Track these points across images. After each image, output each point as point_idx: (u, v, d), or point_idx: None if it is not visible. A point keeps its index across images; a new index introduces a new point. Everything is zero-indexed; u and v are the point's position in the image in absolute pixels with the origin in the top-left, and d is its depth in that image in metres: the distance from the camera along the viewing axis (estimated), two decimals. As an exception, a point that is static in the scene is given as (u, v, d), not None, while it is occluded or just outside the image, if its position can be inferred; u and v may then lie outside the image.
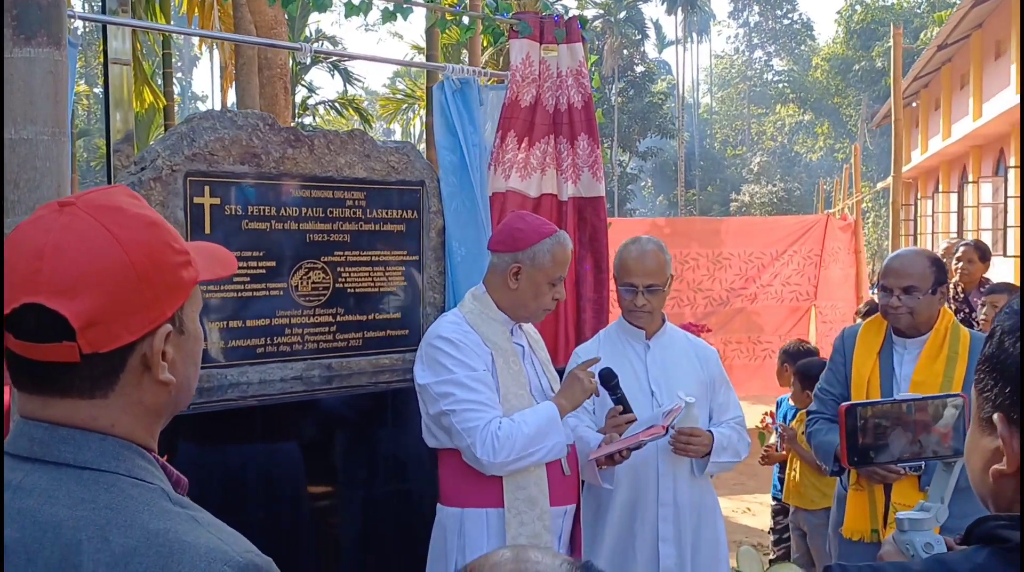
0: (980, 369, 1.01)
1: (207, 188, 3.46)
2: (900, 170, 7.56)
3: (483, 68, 5.27)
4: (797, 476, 4.36)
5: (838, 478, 3.18)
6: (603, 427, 2.78)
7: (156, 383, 1.04)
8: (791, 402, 4.85)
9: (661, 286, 2.94)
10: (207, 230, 3.47)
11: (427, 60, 10.00)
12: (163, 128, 12.27)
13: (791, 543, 4.61)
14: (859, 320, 5.34)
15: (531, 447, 2.48)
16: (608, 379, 2.72)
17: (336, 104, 23.96)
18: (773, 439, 4.60)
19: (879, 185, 18.87)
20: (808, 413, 3.33)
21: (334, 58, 21.70)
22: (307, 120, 23.75)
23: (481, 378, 2.53)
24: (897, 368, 2.99)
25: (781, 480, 4.80)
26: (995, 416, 0.97)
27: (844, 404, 1.55)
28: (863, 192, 9.91)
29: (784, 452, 4.52)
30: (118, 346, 0.99)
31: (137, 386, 1.03)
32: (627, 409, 2.74)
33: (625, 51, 41.59)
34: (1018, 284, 7.38)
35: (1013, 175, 16.29)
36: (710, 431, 2.89)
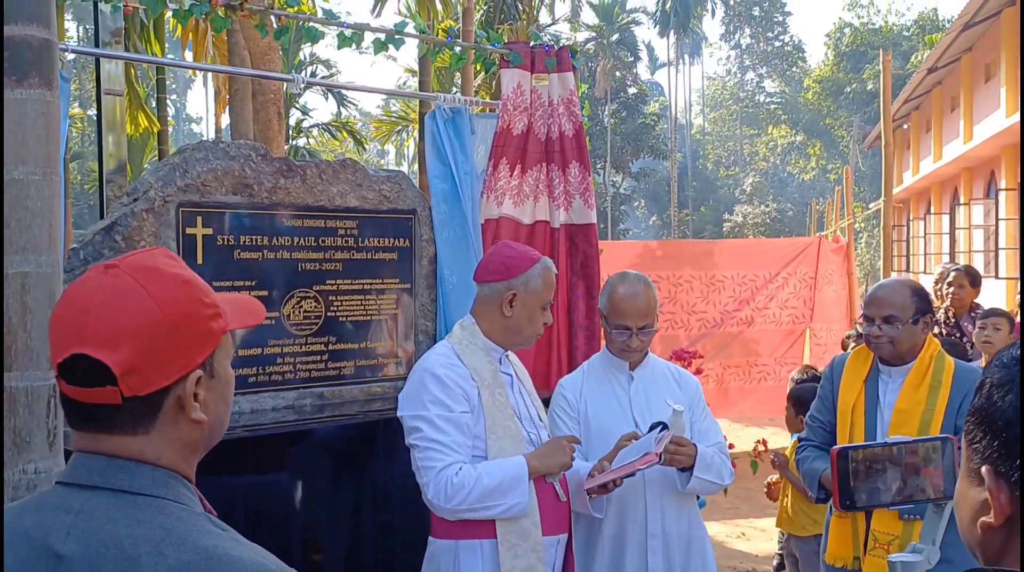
0: (969, 421, 1.02)
1: (199, 219, 3.47)
2: (891, 194, 7.60)
3: (476, 94, 5.30)
4: (789, 503, 4.36)
5: (827, 506, 3.20)
6: (608, 453, 2.78)
7: (190, 421, 1.17)
8: (788, 428, 4.86)
9: (653, 326, 2.96)
10: (199, 260, 3.48)
11: (420, 85, 10.04)
12: (157, 152, 12.29)
13: (785, 569, 4.60)
14: (851, 345, 5.35)
15: (487, 501, 2.48)
16: (652, 429, 2.76)
17: (330, 126, 24.02)
18: (773, 477, 4.58)
19: (872, 206, 18.97)
20: (799, 440, 3.35)
21: (323, 86, 21.80)
22: (300, 142, 23.79)
23: (454, 420, 2.52)
24: (881, 396, 3.02)
25: None
26: (983, 468, 0.98)
27: (835, 448, 1.56)
28: (855, 213, 9.97)
29: (779, 481, 4.52)
30: (154, 390, 1.13)
31: (174, 424, 1.16)
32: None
33: (618, 73, 41.82)
34: (1009, 307, 7.41)
35: (1004, 197, 16.37)
36: (695, 446, 2.87)
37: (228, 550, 1.10)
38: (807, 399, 3.95)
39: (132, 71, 9.96)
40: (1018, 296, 8.18)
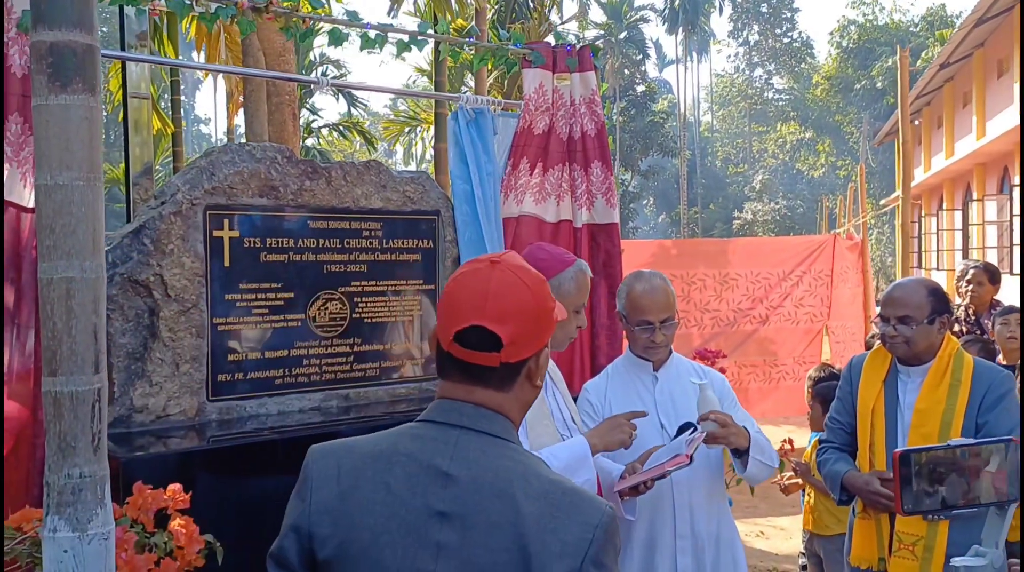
0: None
1: (226, 221, 3.48)
2: (908, 190, 7.57)
3: (488, 93, 5.29)
4: (812, 501, 4.35)
5: (850, 507, 3.19)
6: (641, 456, 2.76)
7: (532, 386, 1.51)
8: (811, 428, 4.84)
9: (674, 319, 2.95)
10: (226, 263, 3.49)
11: (436, 85, 10.04)
12: (171, 153, 12.32)
13: (807, 570, 4.58)
14: (875, 345, 5.31)
15: None
16: (683, 430, 2.75)
17: (340, 126, 24.05)
18: (788, 474, 4.57)
19: (883, 202, 18.88)
20: (820, 442, 3.33)
21: (345, 88, 21.85)
22: (310, 142, 23.82)
23: None
24: (901, 396, 3.01)
25: None
26: None
27: (898, 450, 1.55)
28: (867, 210, 9.93)
29: (799, 483, 4.50)
30: (520, 359, 1.46)
31: (522, 387, 1.49)
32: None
33: (626, 71, 41.78)
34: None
35: (1018, 193, 16.29)
36: (744, 428, 2.84)
37: (572, 485, 1.43)
38: (832, 397, 3.94)
39: (149, 74, 9.97)
40: None
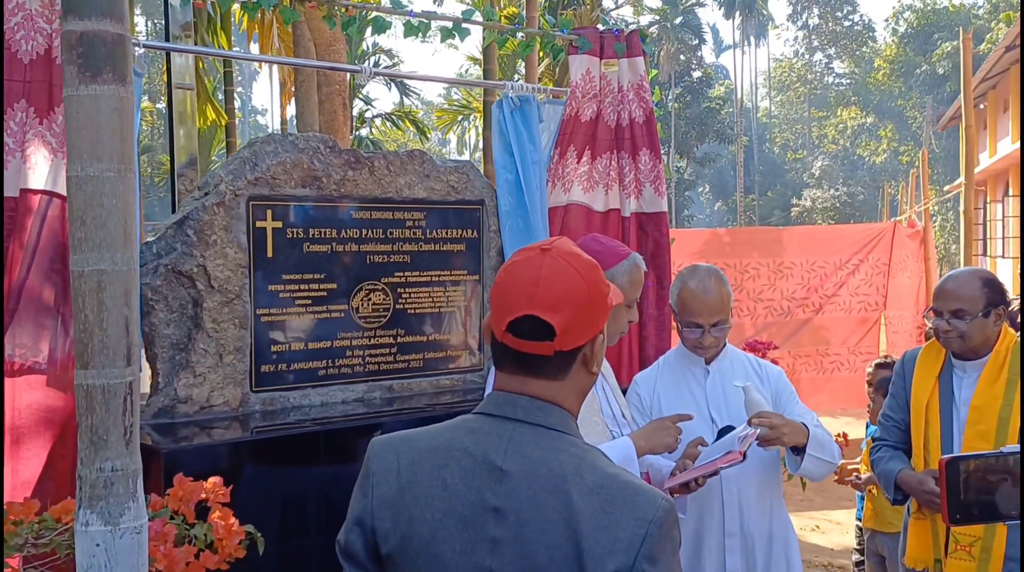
0: None
1: (269, 212, 3.48)
2: (972, 175, 7.31)
3: (539, 81, 5.22)
4: (875, 499, 4.22)
5: (905, 506, 3.08)
6: (680, 454, 2.69)
7: (589, 373, 1.49)
8: (872, 421, 4.70)
9: (727, 321, 2.85)
10: (269, 254, 3.48)
11: (485, 73, 9.99)
12: (225, 144, 12.46)
13: (868, 568, 4.45)
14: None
15: None
16: (723, 433, 2.68)
17: (393, 116, 24.15)
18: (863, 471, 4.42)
19: (946, 189, 18.39)
20: (873, 440, 3.22)
21: (390, 76, 21.86)
22: (363, 132, 23.96)
23: None
24: (956, 392, 2.89)
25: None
26: None
27: (945, 457, 1.46)
28: (931, 197, 9.64)
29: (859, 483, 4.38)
30: (574, 347, 1.44)
31: (578, 374, 1.48)
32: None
33: (682, 56, 41.29)
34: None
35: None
36: (802, 423, 2.74)
37: (628, 478, 1.40)
38: None
39: (200, 64, 10.10)
40: None
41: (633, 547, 1.33)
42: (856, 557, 4.80)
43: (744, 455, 2.50)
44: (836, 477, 4.56)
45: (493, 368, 2.68)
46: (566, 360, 1.45)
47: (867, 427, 4.82)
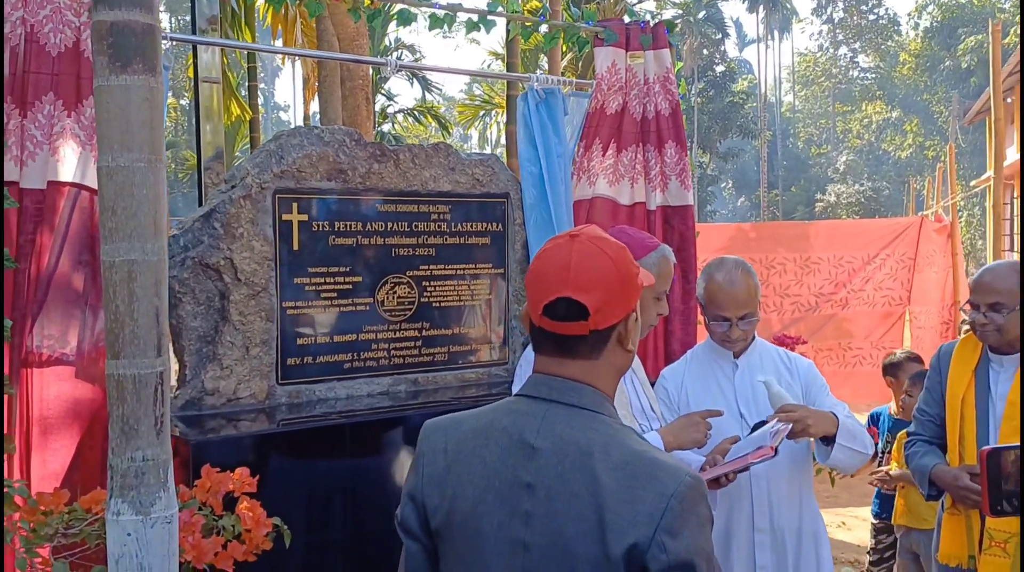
0: None
1: (295, 205, 3.48)
2: (1000, 171, 7.21)
3: (563, 74, 5.20)
4: (907, 496, 4.17)
5: (939, 502, 3.04)
6: (711, 449, 2.67)
7: (624, 351, 1.56)
8: (893, 413, 4.65)
9: (755, 314, 2.81)
10: (295, 246, 3.49)
11: (508, 67, 9.98)
12: (249, 140, 12.52)
13: (899, 566, 4.39)
14: (962, 330, 5.09)
15: None
16: (757, 428, 2.66)
17: (415, 111, 24.18)
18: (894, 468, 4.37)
19: (973, 183, 18.17)
20: (908, 435, 3.18)
21: (414, 69, 21.92)
22: (386, 128, 24.01)
23: None
24: (993, 387, 2.85)
25: (884, 496, 4.60)
26: None
27: (986, 448, 1.44)
28: (957, 191, 9.53)
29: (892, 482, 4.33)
30: (608, 325, 1.51)
31: (613, 353, 1.54)
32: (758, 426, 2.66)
33: (705, 51, 41.07)
34: None
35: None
36: (831, 412, 2.70)
37: (655, 454, 1.46)
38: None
39: (224, 60, 10.15)
40: None
41: (653, 520, 1.38)
42: (872, 557, 4.75)
43: (776, 450, 2.47)
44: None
45: (521, 360, 2.67)
46: (601, 339, 1.52)
47: (873, 418, 4.76)
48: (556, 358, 1.54)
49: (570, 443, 1.46)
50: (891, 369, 4.70)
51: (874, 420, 4.75)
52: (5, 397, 2.82)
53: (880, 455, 4.48)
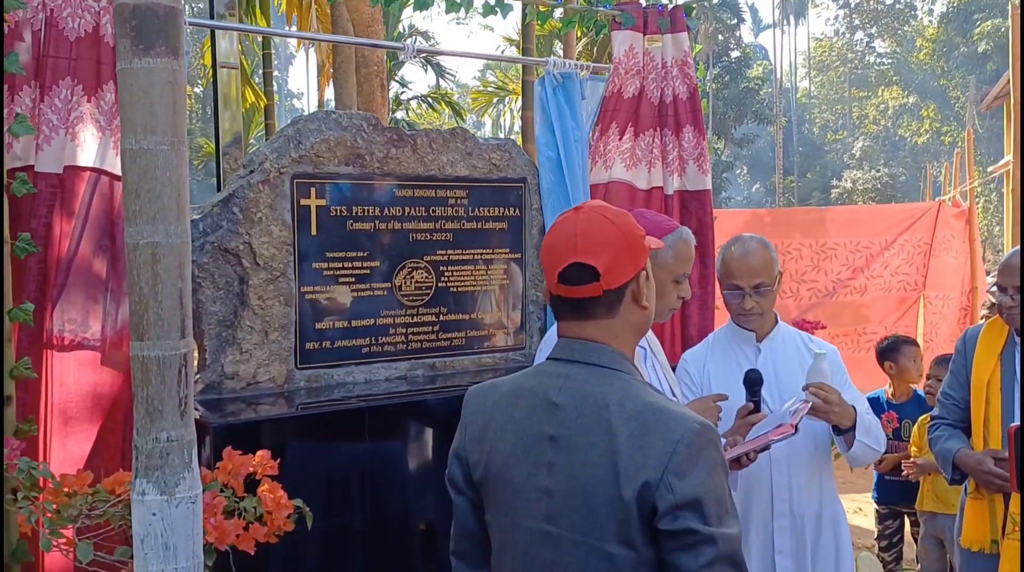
0: None
1: (313, 190, 3.49)
2: (1019, 155, 7.15)
3: (578, 59, 5.18)
4: (932, 482, 4.15)
5: (962, 486, 3.03)
6: (730, 429, 2.67)
7: (640, 308, 1.69)
8: (889, 397, 4.65)
9: (770, 285, 2.80)
10: (313, 231, 3.50)
11: (523, 53, 9.94)
12: (264, 126, 12.54)
13: (921, 551, 4.38)
14: (981, 314, 5.07)
15: None
16: (754, 383, 2.64)
17: (429, 98, 24.15)
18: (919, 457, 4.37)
19: (990, 169, 18.01)
20: (931, 418, 3.17)
21: (430, 54, 21.87)
22: (399, 115, 23.99)
23: None
24: (1019, 370, 2.83)
25: (885, 483, 4.61)
26: None
27: (1014, 425, 1.43)
28: (975, 177, 9.44)
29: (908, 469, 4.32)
30: (620, 284, 1.64)
31: (629, 310, 1.68)
32: (758, 409, 2.65)
33: (720, 36, 40.79)
34: None
35: None
36: (852, 406, 2.72)
37: (665, 404, 1.57)
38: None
39: (239, 46, 10.16)
40: None
41: (661, 463, 1.49)
42: (881, 543, 4.75)
43: (796, 428, 2.47)
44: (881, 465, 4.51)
45: (541, 344, 2.67)
46: (615, 298, 1.66)
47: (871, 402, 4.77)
48: (576, 322, 1.68)
49: (588, 398, 1.60)
50: (889, 353, 4.69)
51: (873, 404, 4.75)
52: (27, 382, 2.84)
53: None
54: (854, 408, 2.68)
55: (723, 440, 2.60)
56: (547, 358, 1.71)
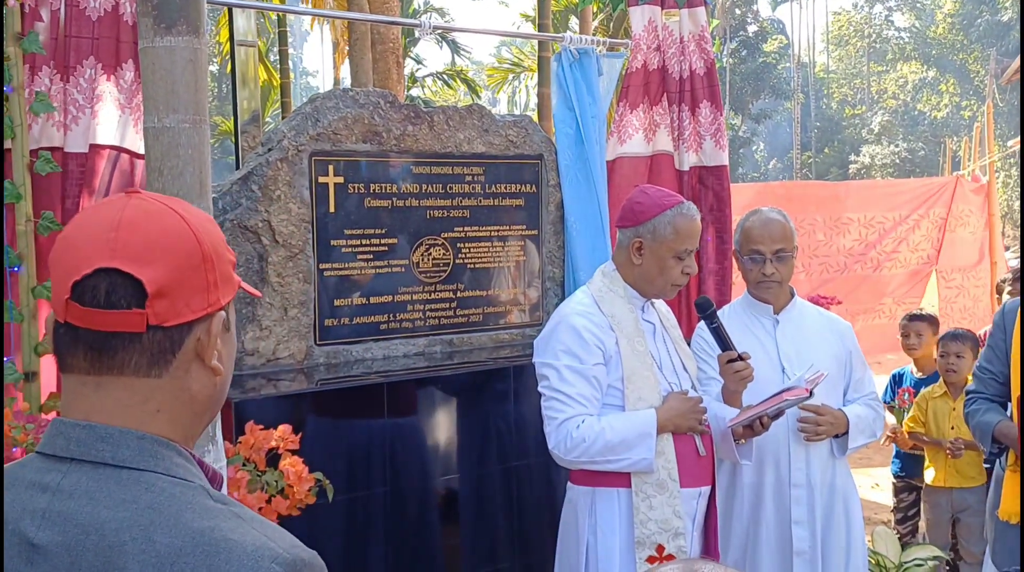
0: None
1: (331, 167, 3.51)
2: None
3: (594, 34, 5.16)
4: (948, 456, 4.15)
5: (997, 459, 3.03)
6: (724, 386, 2.69)
7: (205, 371, 1.04)
8: (914, 373, 4.65)
9: (790, 252, 2.83)
10: (331, 209, 3.52)
11: (539, 29, 9.90)
12: (280, 105, 12.55)
13: (935, 526, 4.38)
14: (1006, 289, 5.03)
15: (608, 455, 2.44)
16: (704, 308, 2.63)
17: (444, 75, 24.08)
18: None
19: (1010, 144, 17.83)
20: (967, 393, 3.16)
21: (446, 30, 21.85)
22: (415, 92, 23.95)
23: (583, 372, 2.47)
24: None
25: (904, 456, 4.62)
26: None
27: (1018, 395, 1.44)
28: (994, 151, 9.37)
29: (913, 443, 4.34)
30: (180, 322, 1.00)
31: (187, 372, 1.02)
32: (728, 345, 2.62)
33: (737, 10, 40.41)
34: None
35: None
36: (842, 411, 2.79)
37: (226, 532, 0.95)
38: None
39: (255, 24, 10.17)
40: None
41: None
42: (897, 516, 4.76)
43: (811, 392, 2.50)
44: (891, 437, 4.52)
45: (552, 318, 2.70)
46: (167, 344, 1.00)
47: (895, 378, 4.78)
48: (89, 378, 1.00)
49: (91, 531, 0.94)
50: (905, 332, 4.67)
51: (897, 380, 4.76)
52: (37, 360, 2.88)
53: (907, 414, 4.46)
54: (844, 413, 2.77)
55: (707, 411, 2.62)
56: (35, 452, 1.02)
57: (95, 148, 3.06)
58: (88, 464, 0.97)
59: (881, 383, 4.55)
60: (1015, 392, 2.88)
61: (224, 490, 1.83)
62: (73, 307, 0.97)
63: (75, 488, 0.96)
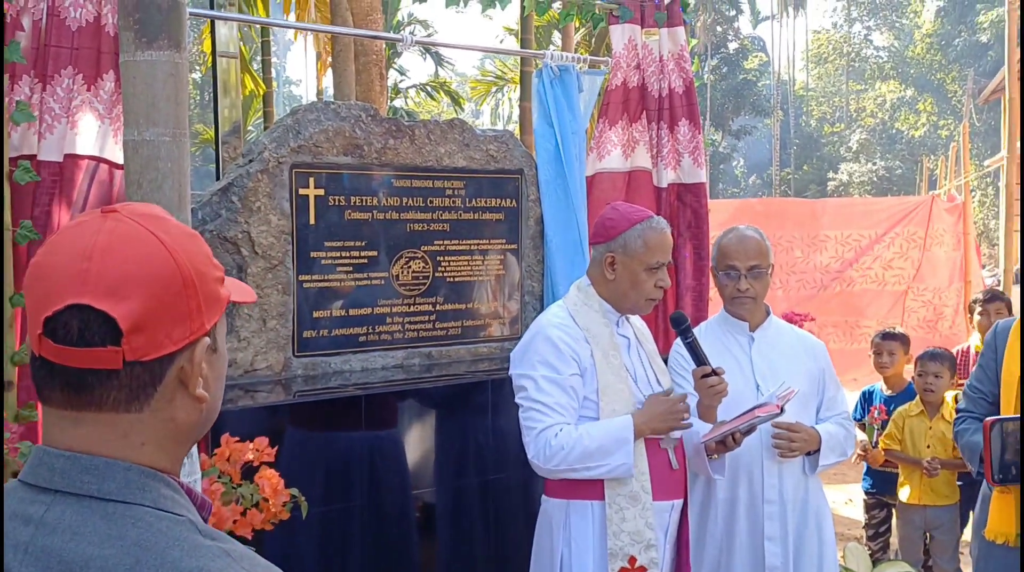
0: None
1: (312, 179, 3.52)
2: (1015, 149, 7.19)
3: (576, 50, 5.20)
4: (922, 474, 4.19)
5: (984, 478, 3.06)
6: (699, 401, 2.71)
7: (190, 399, 0.99)
8: (884, 391, 4.69)
9: (765, 269, 2.87)
10: (312, 221, 3.53)
11: (522, 43, 9.96)
12: (262, 114, 12.55)
13: (908, 543, 4.41)
14: (977, 310, 5.08)
15: (587, 462, 2.46)
16: (679, 322, 2.66)
17: (427, 87, 24.14)
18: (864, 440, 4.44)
19: (987, 163, 18.06)
20: (957, 412, 3.19)
21: (429, 45, 21.91)
22: (398, 103, 23.98)
23: (559, 382, 2.50)
24: None
25: (875, 473, 4.66)
26: None
27: (989, 419, 1.47)
28: (970, 171, 9.49)
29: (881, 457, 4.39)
30: (160, 355, 0.95)
31: (171, 402, 0.98)
32: (703, 360, 2.65)
33: (718, 27, 40.77)
34: None
35: None
36: (815, 429, 2.82)
37: (217, 566, 0.92)
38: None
39: (238, 34, 10.17)
40: None
41: None
42: (868, 532, 4.80)
43: (782, 409, 2.53)
44: (861, 454, 4.56)
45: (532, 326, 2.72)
46: (147, 377, 0.96)
47: (865, 395, 4.83)
48: (69, 412, 0.96)
49: (75, 569, 0.90)
50: (877, 350, 4.71)
51: (867, 397, 4.80)
52: (28, 368, 2.87)
53: (878, 432, 4.50)
54: (816, 431, 2.81)
55: (690, 419, 2.64)
56: (18, 480, 0.98)
57: (72, 158, 3.04)
58: (72, 496, 0.93)
59: (852, 399, 4.61)
60: (1006, 412, 2.91)
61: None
62: (46, 343, 0.93)
63: (59, 522, 0.92)
